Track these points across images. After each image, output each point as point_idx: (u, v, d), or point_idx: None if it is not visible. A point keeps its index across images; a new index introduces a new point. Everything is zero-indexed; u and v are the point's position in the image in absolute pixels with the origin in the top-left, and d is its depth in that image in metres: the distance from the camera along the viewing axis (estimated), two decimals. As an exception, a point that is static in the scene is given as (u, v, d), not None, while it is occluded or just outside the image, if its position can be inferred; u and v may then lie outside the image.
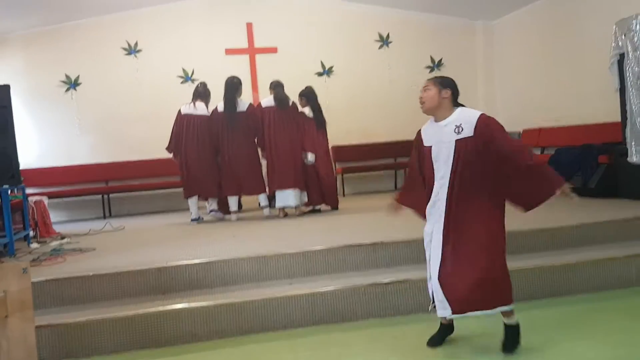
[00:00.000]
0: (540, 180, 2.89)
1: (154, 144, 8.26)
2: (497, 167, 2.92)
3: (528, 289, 3.90)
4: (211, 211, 6.68)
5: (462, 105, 3.06)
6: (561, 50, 7.77)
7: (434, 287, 3.03)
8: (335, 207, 6.78)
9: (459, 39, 9.50)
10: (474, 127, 2.92)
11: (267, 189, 6.54)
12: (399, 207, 3.34)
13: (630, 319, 3.49)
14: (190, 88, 7.32)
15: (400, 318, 3.75)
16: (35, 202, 6.11)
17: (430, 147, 3.06)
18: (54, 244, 5.51)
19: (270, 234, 5.29)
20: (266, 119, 6.47)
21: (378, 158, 9.11)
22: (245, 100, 6.65)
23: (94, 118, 8.49)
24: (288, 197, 6.42)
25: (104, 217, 8.16)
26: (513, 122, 8.23)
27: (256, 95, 8.48)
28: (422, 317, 3.60)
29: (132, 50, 8.61)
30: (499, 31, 9.37)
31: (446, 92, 3.00)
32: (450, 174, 2.96)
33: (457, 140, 2.94)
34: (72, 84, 8.46)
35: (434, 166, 3.04)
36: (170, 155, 6.74)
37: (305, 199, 6.58)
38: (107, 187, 8.44)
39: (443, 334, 3.21)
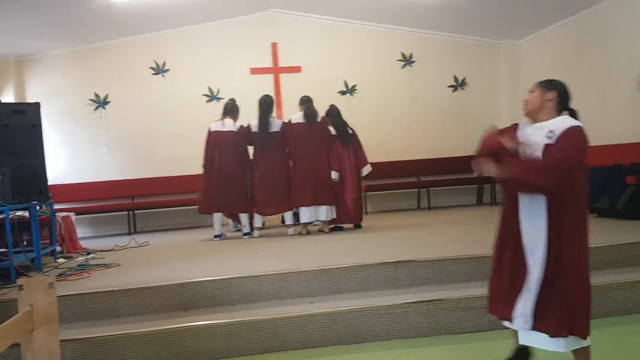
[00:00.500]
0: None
1: (179, 161, 8.44)
2: None
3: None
4: (240, 232, 6.73)
5: (573, 111, 2.81)
6: (587, 70, 7.68)
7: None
8: (358, 223, 6.77)
9: (482, 58, 9.47)
10: (559, 135, 2.68)
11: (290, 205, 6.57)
12: None
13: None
14: (215, 106, 7.43)
15: (423, 340, 3.69)
16: (62, 218, 6.22)
17: None
18: (80, 259, 5.60)
19: (292, 252, 5.29)
20: (295, 134, 6.53)
21: (401, 176, 9.08)
22: (277, 119, 6.74)
23: (121, 135, 8.69)
24: (314, 213, 6.45)
25: (129, 233, 8.28)
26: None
27: (279, 113, 8.57)
28: (445, 340, 3.54)
29: (159, 69, 8.81)
30: (523, 51, 9.31)
31: (551, 94, 2.78)
32: None
33: (545, 145, 2.71)
34: (101, 102, 8.68)
35: None
36: (204, 172, 6.72)
37: (334, 215, 6.58)
38: (132, 203, 8.56)
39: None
